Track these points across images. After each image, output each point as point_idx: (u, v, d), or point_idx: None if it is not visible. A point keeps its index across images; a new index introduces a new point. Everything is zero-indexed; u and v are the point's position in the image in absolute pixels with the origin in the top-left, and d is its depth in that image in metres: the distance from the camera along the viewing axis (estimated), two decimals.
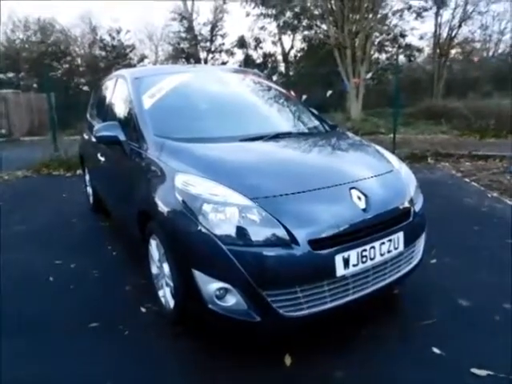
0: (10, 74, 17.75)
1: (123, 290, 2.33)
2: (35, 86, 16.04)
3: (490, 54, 19.56)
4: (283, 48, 19.27)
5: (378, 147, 2.39)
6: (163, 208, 1.79)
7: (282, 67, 19.80)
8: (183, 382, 1.65)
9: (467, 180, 4.88)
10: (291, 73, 19.74)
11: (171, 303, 1.88)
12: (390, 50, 17.20)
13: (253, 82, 3.05)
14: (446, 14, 23.49)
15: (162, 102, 2.42)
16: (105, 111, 3.22)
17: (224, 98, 2.71)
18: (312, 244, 1.57)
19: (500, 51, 19.57)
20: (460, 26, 16.38)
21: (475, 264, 2.55)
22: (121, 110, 2.74)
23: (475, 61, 14.78)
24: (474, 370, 1.60)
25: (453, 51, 17.87)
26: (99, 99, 3.62)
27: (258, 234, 1.57)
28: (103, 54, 18.70)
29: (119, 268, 2.66)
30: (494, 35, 18.67)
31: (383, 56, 17.78)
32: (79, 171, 5.22)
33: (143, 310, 2.12)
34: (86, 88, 12.97)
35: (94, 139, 2.52)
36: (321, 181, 1.79)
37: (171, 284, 1.83)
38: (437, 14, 16.49)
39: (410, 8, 15.00)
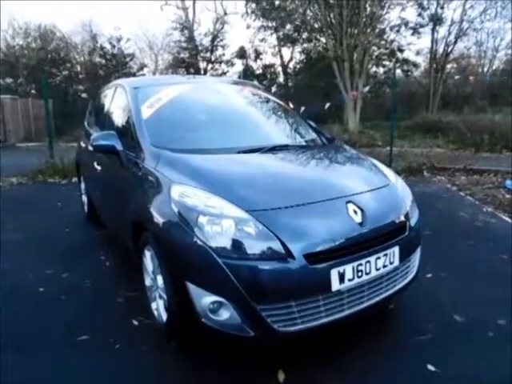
0: (9, 80, 17.79)
1: (115, 302, 2.29)
2: (34, 92, 16.07)
3: (485, 69, 20.00)
4: (283, 60, 19.56)
5: (375, 161, 2.40)
6: (158, 219, 1.78)
7: (281, 79, 20.04)
8: None
9: (462, 194, 4.91)
10: (290, 84, 19.97)
11: (164, 316, 1.85)
12: (388, 64, 17.52)
13: (251, 93, 3.07)
14: (442, 31, 23.98)
15: (161, 112, 2.43)
16: (103, 120, 3.22)
17: (222, 109, 2.72)
18: (308, 258, 1.56)
19: (494, 67, 20.03)
20: (456, 42, 16.78)
21: (470, 279, 2.54)
22: (119, 119, 2.74)
23: (471, 80, 15.11)
24: None
25: (448, 66, 18.22)
26: (97, 107, 3.62)
27: (254, 247, 1.55)
28: (103, 61, 18.82)
29: (112, 279, 2.62)
30: (489, 51, 19.15)
31: (381, 70, 18.12)
32: (75, 179, 5.20)
33: (135, 322, 2.08)
34: (84, 95, 13.03)
35: (90, 147, 2.51)
36: (317, 194, 1.79)
37: (164, 296, 1.80)
38: (433, 30, 16.88)
39: (407, 24, 15.37)
